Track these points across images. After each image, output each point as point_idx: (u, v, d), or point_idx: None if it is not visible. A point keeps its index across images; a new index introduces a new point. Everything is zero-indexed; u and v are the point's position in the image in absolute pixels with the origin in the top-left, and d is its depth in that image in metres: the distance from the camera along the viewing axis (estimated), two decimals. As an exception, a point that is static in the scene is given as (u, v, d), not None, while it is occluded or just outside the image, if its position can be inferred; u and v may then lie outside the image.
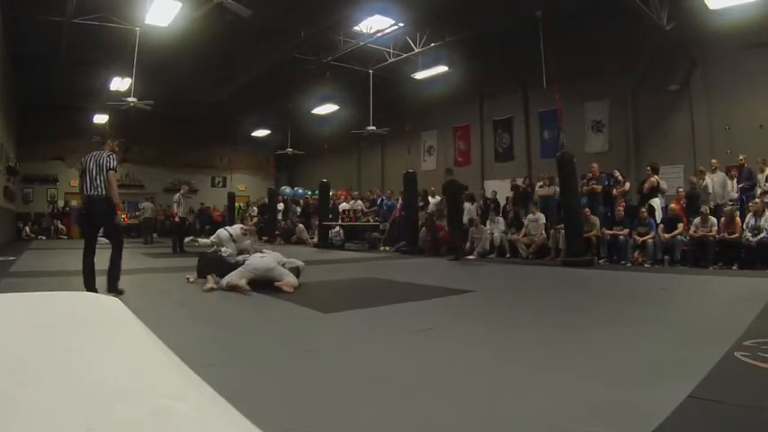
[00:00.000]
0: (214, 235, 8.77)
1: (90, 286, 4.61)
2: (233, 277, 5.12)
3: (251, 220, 16.95)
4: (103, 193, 4.73)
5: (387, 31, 12.10)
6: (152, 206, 16.70)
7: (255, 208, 18.45)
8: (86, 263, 4.73)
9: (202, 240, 10.11)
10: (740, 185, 8.87)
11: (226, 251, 6.54)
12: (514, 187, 12.01)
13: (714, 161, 9.33)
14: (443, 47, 12.93)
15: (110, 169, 4.74)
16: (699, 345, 2.84)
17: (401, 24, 11.79)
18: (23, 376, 0.50)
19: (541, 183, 10.92)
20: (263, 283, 5.10)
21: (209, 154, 23.19)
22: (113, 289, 4.68)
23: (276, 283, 5.07)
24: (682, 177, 10.53)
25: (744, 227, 7.55)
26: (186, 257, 9.62)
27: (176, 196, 11.34)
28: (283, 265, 5.46)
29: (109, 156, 4.84)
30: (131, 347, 0.69)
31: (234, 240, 7.64)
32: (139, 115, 13.87)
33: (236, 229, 8.47)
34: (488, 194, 12.84)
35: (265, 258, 5.32)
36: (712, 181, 8.95)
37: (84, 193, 4.81)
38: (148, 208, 16.09)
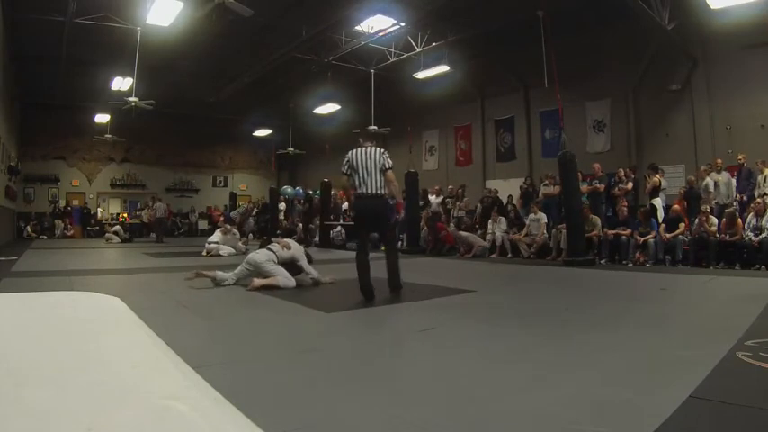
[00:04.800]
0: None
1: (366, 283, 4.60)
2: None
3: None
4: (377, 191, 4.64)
5: (388, 30, 12.08)
6: (164, 206, 16.76)
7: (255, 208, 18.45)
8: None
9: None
10: (739, 186, 8.85)
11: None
12: (521, 189, 11.98)
13: (719, 161, 9.29)
14: (445, 46, 12.93)
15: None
16: (700, 344, 2.83)
17: (402, 24, 11.77)
18: (23, 376, 0.50)
19: (546, 182, 10.90)
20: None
21: (211, 153, 23.22)
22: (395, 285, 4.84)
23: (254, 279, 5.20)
24: (683, 177, 10.51)
25: (745, 226, 7.53)
26: (190, 258, 9.64)
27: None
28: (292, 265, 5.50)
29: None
30: (132, 347, 0.69)
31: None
32: (141, 115, 13.89)
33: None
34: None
35: (256, 255, 5.39)
36: (716, 181, 8.91)
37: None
38: (161, 208, 16.17)
